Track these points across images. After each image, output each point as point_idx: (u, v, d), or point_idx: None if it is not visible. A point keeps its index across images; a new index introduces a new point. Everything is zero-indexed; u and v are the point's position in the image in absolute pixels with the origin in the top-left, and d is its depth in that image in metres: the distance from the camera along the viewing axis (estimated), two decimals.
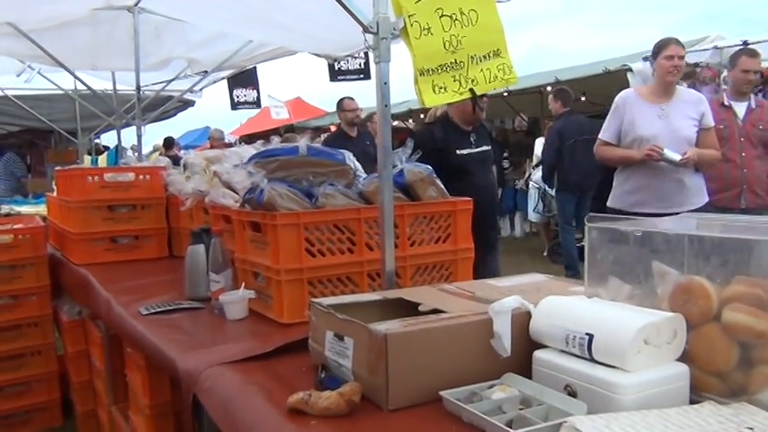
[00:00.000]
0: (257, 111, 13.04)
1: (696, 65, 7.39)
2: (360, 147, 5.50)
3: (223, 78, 7.49)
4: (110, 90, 6.31)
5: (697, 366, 1.17)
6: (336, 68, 7.44)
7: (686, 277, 1.22)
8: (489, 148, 3.90)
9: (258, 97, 9.58)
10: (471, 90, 1.80)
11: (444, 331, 1.25)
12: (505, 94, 10.02)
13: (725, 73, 7.29)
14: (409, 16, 1.72)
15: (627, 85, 7.43)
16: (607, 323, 1.17)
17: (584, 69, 8.98)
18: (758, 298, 1.13)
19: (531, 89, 9.85)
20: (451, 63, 1.78)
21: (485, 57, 1.82)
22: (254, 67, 7.88)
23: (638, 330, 1.12)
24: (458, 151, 3.69)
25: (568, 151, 6.87)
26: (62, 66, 4.89)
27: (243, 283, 1.99)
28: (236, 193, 2.15)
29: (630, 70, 7.49)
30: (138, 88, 4.78)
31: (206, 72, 5.46)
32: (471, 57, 1.80)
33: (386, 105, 1.71)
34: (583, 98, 10.78)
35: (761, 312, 1.11)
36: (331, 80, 7.43)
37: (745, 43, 6.99)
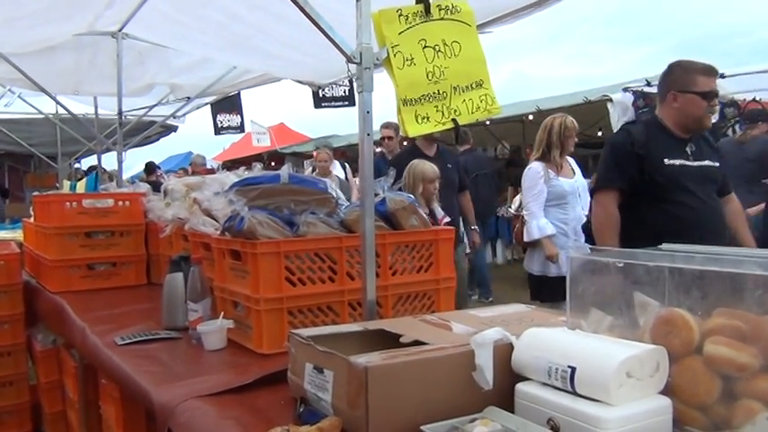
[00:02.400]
0: (241, 136, 13.05)
1: None
2: (439, 167, 4.57)
3: (206, 104, 7.49)
4: (91, 115, 6.27)
5: (680, 399, 1.16)
6: (321, 95, 7.48)
7: (667, 309, 1.22)
8: (716, 165, 3.02)
9: (242, 122, 9.59)
10: (454, 120, 1.81)
11: (426, 364, 1.23)
12: (488, 122, 10.13)
13: None
14: (393, 47, 1.73)
15: (607, 115, 7.58)
16: (590, 356, 1.16)
17: (564, 99, 9.10)
18: (739, 330, 1.13)
19: (513, 118, 9.98)
20: (434, 93, 1.79)
21: (467, 87, 1.83)
22: (238, 93, 7.89)
23: (620, 363, 1.11)
24: (666, 161, 2.89)
25: (472, 183, 7.04)
26: (43, 90, 4.85)
27: (222, 313, 1.96)
28: (217, 221, 2.13)
29: (611, 100, 7.60)
30: (120, 113, 4.75)
31: (188, 98, 5.45)
32: (454, 87, 1.81)
33: (368, 134, 1.70)
34: None
35: (742, 345, 1.10)
36: (315, 107, 7.46)
37: (722, 75, 7.15)
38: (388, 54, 1.72)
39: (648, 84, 7.56)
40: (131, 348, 1.96)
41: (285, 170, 2.14)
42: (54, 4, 3.43)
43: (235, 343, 1.92)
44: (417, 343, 1.35)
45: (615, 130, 7.38)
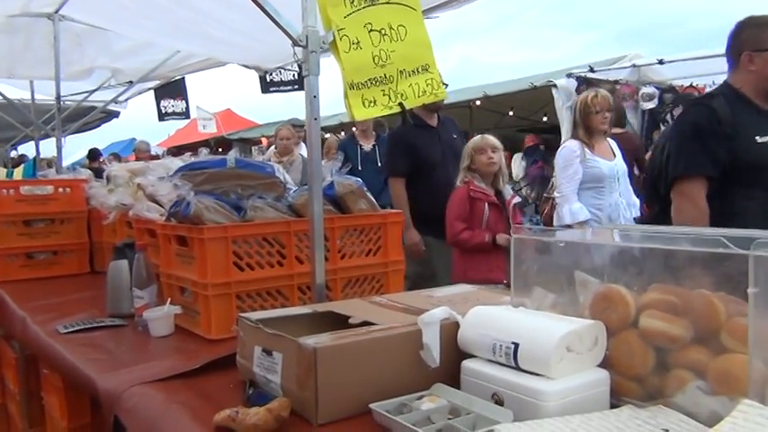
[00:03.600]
0: (186, 122, 12.77)
1: (616, 82, 7.75)
2: (444, 139, 4.10)
3: (150, 89, 7.29)
4: (28, 100, 6.03)
5: (617, 371, 1.21)
6: (268, 80, 7.37)
7: (605, 285, 1.27)
8: None
9: (187, 108, 9.37)
10: (401, 104, 1.82)
11: (374, 343, 1.25)
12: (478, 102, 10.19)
13: (642, 90, 7.72)
14: (338, 30, 1.73)
15: (552, 101, 7.73)
16: (532, 332, 1.20)
17: (511, 85, 9.24)
18: (672, 304, 1.18)
19: (461, 103, 10.06)
20: (381, 77, 1.79)
21: (414, 71, 1.85)
22: (183, 78, 7.71)
23: (560, 338, 1.15)
24: (758, 138, 2.46)
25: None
26: None
27: (168, 299, 1.94)
28: (162, 207, 2.09)
29: (555, 86, 7.75)
30: (59, 98, 4.59)
31: (131, 82, 5.30)
32: (400, 71, 1.82)
33: (315, 119, 1.70)
34: (510, 113, 11.12)
35: (674, 318, 1.16)
36: (263, 92, 7.35)
37: (661, 62, 7.39)
38: (335, 37, 1.72)
39: (592, 70, 7.75)
40: (75, 337, 1.91)
41: (232, 154, 2.12)
42: None
43: (183, 329, 1.90)
44: (366, 324, 1.37)
45: (559, 116, 7.59)
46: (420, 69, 1.86)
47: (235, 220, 1.85)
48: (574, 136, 3.97)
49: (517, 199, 3.90)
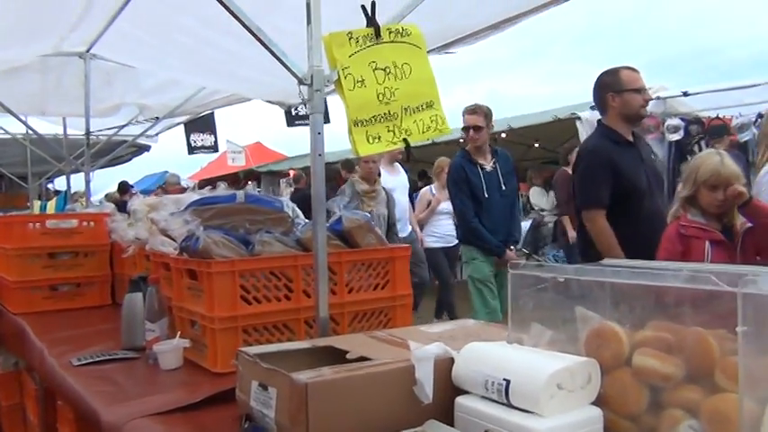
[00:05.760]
0: (216, 155, 13.04)
1: None
2: (645, 159, 3.35)
3: (179, 123, 7.50)
4: (61, 135, 6.24)
5: (611, 410, 1.20)
6: (293, 113, 7.53)
7: (600, 322, 1.27)
8: None
9: (215, 142, 9.62)
10: (405, 140, 1.85)
11: (366, 379, 1.26)
12: (461, 140, 10.24)
13: (668, 122, 7.66)
14: (343, 69, 1.77)
15: (576, 133, 7.72)
16: (523, 368, 1.19)
17: (535, 117, 9.24)
18: (665, 342, 1.17)
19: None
20: (385, 114, 1.83)
21: (418, 108, 1.88)
22: (212, 113, 7.92)
23: (550, 375, 1.15)
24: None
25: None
26: (9, 112, 4.84)
27: (179, 332, 1.97)
28: (175, 241, 2.14)
29: (579, 118, 7.74)
30: (88, 133, 4.74)
31: (157, 118, 5.45)
32: (405, 108, 1.86)
33: (319, 155, 1.74)
34: (536, 144, 11.11)
35: (666, 356, 1.15)
36: (288, 125, 7.51)
37: (685, 94, 7.34)
38: (339, 76, 1.76)
39: None
40: (87, 369, 1.96)
41: (249, 189, 2.17)
42: (17, 26, 3.43)
43: (192, 362, 1.93)
44: (363, 359, 1.38)
45: None
46: (424, 106, 1.89)
47: (243, 255, 1.89)
48: None
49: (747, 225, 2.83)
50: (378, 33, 1.83)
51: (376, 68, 1.82)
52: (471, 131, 4.48)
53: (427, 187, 6.86)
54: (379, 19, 1.86)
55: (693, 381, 1.12)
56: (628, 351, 1.20)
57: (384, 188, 5.14)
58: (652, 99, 3.32)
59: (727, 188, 2.68)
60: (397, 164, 6.04)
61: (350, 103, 1.77)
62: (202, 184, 14.93)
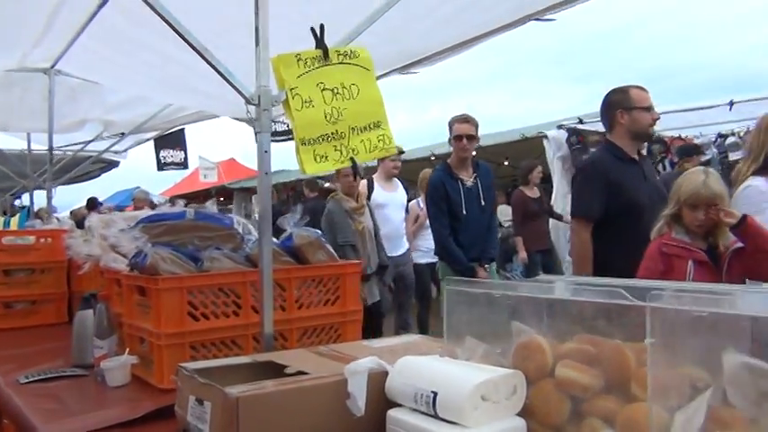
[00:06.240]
0: (188, 171, 12.97)
1: (605, 133, 7.86)
2: (649, 177, 3.40)
3: (149, 139, 7.47)
4: (26, 151, 6.18)
5: (535, 420, 1.24)
6: None
7: (527, 335, 1.31)
8: None
9: (186, 158, 9.55)
10: (352, 159, 1.89)
11: (299, 392, 1.28)
12: (432, 158, 10.34)
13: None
14: (291, 89, 1.81)
15: (543, 152, 7.86)
16: (449, 381, 1.23)
17: (504, 136, 9.40)
18: (586, 353, 1.22)
19: None
20: (332, 133, 1.87)
21: (365, 128, 1.92)
22: (183, 129, 7.89)
23: (475, 387, 1.19)
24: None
25: (317, 223, 7.22)
26: None
27: (127, 349, 1.97)
28: (126, 258, 2.15)
29: (546, 137, 7.88)
30: (51, 149, 4.72)
31: (123, 134, 5.44)
32: (352, 128, 1.90)
33: (266, 173, 1.77)
34: (506, 163, 11.25)
35: (586, 367, 1.20)
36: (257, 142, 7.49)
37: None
38: (287, 96, 1.80)
39: (581, 121, 7.90)
40: (33, 387, 1.95)
41: (208, 205, 2.19)
42: None
43: (139, 379, 1.93)
44: (301, 373, 1.41)
45: (551, 166, 7.70)
46: (372, 126, 1.94)
47: (191, 271, 1.91)
48: (763, 169, 3.10)
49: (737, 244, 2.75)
50: (326, 55, 1.87)
51: (324, 89, 1.86)
52: (465, 140, 4.38)
53: (414, 200, 6.67)
54: (329, 41, 1.91)
55: (611, 391, 1.17)
56: (551, 363, 1.25)
57: (367, 203, 5.06)
58: (659, 118, 3.31)
59: (709, 208, 2.65)
60: (396, 180, 5.79)
61: (297, 123, 1.81)
62: (174, 199, 14.85)
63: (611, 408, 1.15)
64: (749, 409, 1.04)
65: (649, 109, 3.24)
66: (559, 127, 7.89)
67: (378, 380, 1.34)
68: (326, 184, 12.56)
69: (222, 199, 16.91)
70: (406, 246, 5.76)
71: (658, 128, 7.80)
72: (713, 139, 7.32)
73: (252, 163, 17.94)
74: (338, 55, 1.90)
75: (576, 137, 7.64)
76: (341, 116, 1.88)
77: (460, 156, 4.44)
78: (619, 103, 3.26)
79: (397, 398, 1.32)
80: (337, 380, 1.32)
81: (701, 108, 7.20)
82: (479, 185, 4.45)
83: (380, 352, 1.59)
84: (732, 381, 1.06)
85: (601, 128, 7.86)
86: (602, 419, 1.16)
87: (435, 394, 1.22)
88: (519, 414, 1.24)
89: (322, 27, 1.84)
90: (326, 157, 1.85)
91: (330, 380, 1.33)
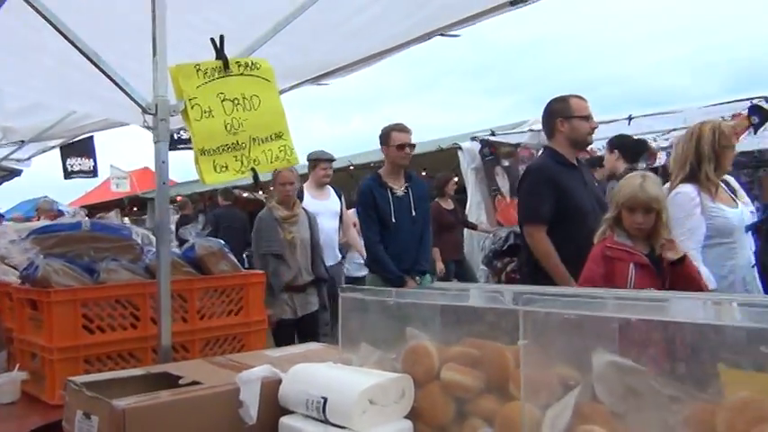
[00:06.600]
0: (95, 180, 12.48)
1: (517, 145, 8.17)
2: (588, 182, 3.50)
3: (54, 147, 7.15)
4: None
5: (423, 422, 1.29)
6: (176, 138, 7.35)
7: (416, 341, 1.36)
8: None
9: (95, 167, 9.16)
10: (253, 169, 1.90)
11: (189, 402, 1.28)
12: (351, 167, 10.41)
13: (540, 152, 8.16)
14: (190, 99, 1.81)
15: (458, 163, 8.06)
16: (339, 386, 1.27)
17: (422, 147, 9.55)
18: (471, 356, 1.28)
19: (374, 163, 10.32)
20: (233, 144, 1.87)
21: (266, 139, 1.94)
22: (92, 136, 7.59)
23: (362, 392, 1.22)
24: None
25: (225, 233, 7.32)
26: None
27: (17, 365, 1.90)
28: (17, 270, 2.07)
29: (460, 148, 8.10)
30: None
31: (23, 141, 5.20)
32: (253, 138, 1.91)
33: (164, 183, 1.76)
34: (423, 173, 11.47)
35: (469, 370, 1.26)
36: (170, 149, 7.30)
37: None
38: (186, 106, 1.80)
39: (493, 133, 8.17)
40: None
41: (110, 216, 2.14)
42: None
43: (31, 396, 1.86)
44: (195, 383, 1.40)
45: (465, 177, 7.92)
46: (273, 137, 1.95)
47: (86, 283, 1.86)
48: (691, 177, 3.17)
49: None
50: (226, 66, 1.88)
51: (224, 99, 1.87)
52: (407, 148, 4.40)
53: (352, 209, 6.51)
54: (235, 50, 1.92)
55: (491, 391, 1.23)
56: (438, 366, 1.30)
57: (306, 210, 4.88)
58: (597, 126, 3.43)
59: (647, 213, 2.70)
60: (330, 188, 5.66)
61: (196, 133, 1.81)
62: (84, 210, 14.23)
63: (490, 407, 1.21)
64: (616, 405, 1.13)
65: (588, 118, 3.36)
66: (473, 139, 8.13)
67: (271, 388, 1.36)
68: (245, 194, 12.40)
69: (136, 209, 16.36)
70: (339, 256, 5.71)
71: None
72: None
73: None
74: (239, 66, 1.91)
75: (489, 148, 7.91)
76: (241, 127, 1.89)
77: (400, 164, 4.44)
78: (559, 111, 3.37)
79: (290, 405, 1.34)
80: (230, 389, 1.33)
81: (605, 122, 7.57)
82: (411, 196, 4.45)
83: (279, 361, 1.61)
84: (600, 378, 1.14)
85: (512, 140, 8.24)
86: (483, 419, 1.22)
87: (325, 400, 1.25)
88: (407, 416, 1.29)
89: (222, 38, 1.85)
90: (227, 167, 1.86)
91: (222, 389, 1.33)
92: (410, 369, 1.33)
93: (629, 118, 7.00)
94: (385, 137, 4.47)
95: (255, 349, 2.11)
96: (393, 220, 4.34)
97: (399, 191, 4.43)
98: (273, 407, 1.35)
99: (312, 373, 1.36)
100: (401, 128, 4.49)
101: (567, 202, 3.24)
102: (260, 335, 2.14)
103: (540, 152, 3.72)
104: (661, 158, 6.98)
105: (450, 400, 1.27)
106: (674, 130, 6.77)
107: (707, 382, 1.05)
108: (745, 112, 5.94)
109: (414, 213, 4.44)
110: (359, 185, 4.69)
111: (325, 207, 5.45)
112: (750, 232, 3.21)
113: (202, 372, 1.51)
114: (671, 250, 2.68)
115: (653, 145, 7.00)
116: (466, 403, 1.26)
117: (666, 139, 7.10)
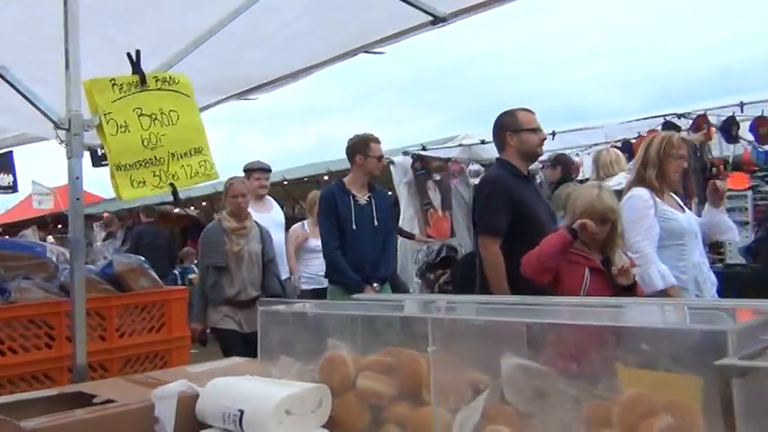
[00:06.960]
0: (15, 197, 11.96)
1: (448, 160, 8.34)
2: (539, 194, 3.69)
3: None
4: None
5: (340, 430, 1.32)
6: (100, 154, 7.14)
7: (332, 351, 1.39)
8: None
9: (15, 182, 8.79)
10: (172, 185, 1.89)
11: (102, 421, 1.26)
12: (285, 182, 10.37)
13: (470, 166, 8.36)
14: (105, 114, 1.79)
15: (390, 177, 8.15)
16: (254, 398, 1.28)
17: None
18: (386, 364, 1.31)
19: (310, 178, 10.31)
20: (151, 159, 1.85)
21: (186, 154, 1.93)
22: (11, 151, 7.29)
23: (278, 403, 1.24)
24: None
25: (146, 249, 7.15)
26: None
27: None
28: None
29: (393, 163, 8.19)
30: None
31: None
32: (172, 154, 1.90)
33: (78, 199, 1.73)
34: None
35: (383, 377, 1.29)
36: (93, 166, 7.06)
37: (483, 141, 8.06)
38: (101, 121, 1.77)
39: (424, 148, 8.31)
40: None
41: (26, 234, 2.07)
42: None
43: None
44: (110, 401, 1.38)
45: (398, 191, 8.02)
46: (193, 152, 1.94)
47: None
48: (639, 181, 3.31)
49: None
50: (143, 81, 1.86)
51: (141, 114, 1.85)
52: (382, 159, 4.41)
53: (299, 223, 6.29)
54: (147, 66, 1.90)
55: (405, 398, 1.27)
56: (354, 375, 1.33)
57: (258, 224, 4.68)
58: (545, 138, 3.45)
59: (604, 223, 2.75)
60: (269, 198, 5.47)
61: (112, 148, 1.79)
62: (3, 227, 13.57)
63: (404, 413, 1.25)
64: (525, 406, 1.18)
65: (536, 130, 3.37)
66: (405, 153, 8.24)
67: (188, 403, 1.35)
68: (176, 210, 12.12)
69: (61, 226, 15.72)
70: (287, 271, 5.57)
71: (495, 155, 8.48)
72: (540, 166, 7.96)
73: (94, 188, 16.90)
74: (156, 81, 1.90)
75: (421, 162, 8.03)
76: (159, 142, 1.88)
77: (374, 174, 4.38)
78: (507, 125, 3.37)
79: (207, 419, 1.34)
80: (145, 405, 1.32)
81: None
82: (373, 205, 4.35)
83: (200, 376, 1.60)
84: (508, 381, 1.19)
85: (443, 154, 8.40)
86: (397, 425, 1.25)
87: (242, 412, 1.26)
88: (325, 425, 1.31)
89: (138, 53, 1.83)
90: (144, 182, 1.84)
91: (136, 406, 1.32)
92: (327, 379, 1.35)
93: (553, 133, 7.23)
94: (363, 146, 4.42)
95: (178, 365, 2.08)
96: (353, 228, 4.26)
97: (362, 199, 4.36)
98: (191, 422, 1.34)
99: (229, 386, 1.36)
100: (377, 138, 4.46)
101: (524, 212, 3.24)
102: (183, 351, 2.12)
103: (493, 165, 3.71)
104: (584, 172, 7.25)
105: (365, 407, 1.30)
106: (596, 144, 7.06)
107: (607, 381, 1.11)
108: (660, 128, 6.25)
109: (376, 223, 4.37)
110: (322, 192, 4.65)
111: (269, 219, 5.32)
112: (745, 251, 3.55)
113: (118, 390, 1.49)
114: (623, 276, 2.73)
115: (576, 159, 7.29)
116: (381, 410, 1.29)
117: (588, 154, 7.38)
